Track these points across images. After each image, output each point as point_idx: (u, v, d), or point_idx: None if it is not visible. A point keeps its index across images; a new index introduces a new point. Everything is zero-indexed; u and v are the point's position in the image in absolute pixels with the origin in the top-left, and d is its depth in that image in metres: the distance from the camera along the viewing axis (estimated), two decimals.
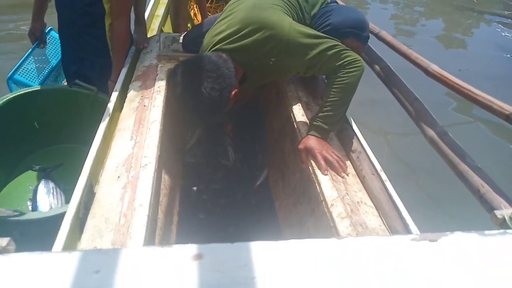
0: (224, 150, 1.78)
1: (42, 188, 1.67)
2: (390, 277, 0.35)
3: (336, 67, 1.20)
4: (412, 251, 0.38)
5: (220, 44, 1.29)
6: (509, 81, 3.87)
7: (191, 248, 0.36)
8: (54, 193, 1.66)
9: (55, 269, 0.34)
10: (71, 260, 0.34)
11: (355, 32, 1.31)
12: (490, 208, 0.87)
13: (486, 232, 0.40)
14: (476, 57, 4.49)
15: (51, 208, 1.59)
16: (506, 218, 0.70)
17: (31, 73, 1.89)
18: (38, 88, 1.79)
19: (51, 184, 1.70)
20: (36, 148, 1.93)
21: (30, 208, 1.65)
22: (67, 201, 1.49)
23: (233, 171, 1.76)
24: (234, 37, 1.27)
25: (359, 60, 1.20)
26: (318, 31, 1.27)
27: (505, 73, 4.11)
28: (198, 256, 0.35)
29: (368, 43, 1.56)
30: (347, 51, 1.20)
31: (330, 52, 1.19)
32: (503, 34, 5.48)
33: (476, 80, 3.54)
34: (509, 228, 0.69)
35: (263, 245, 0.37)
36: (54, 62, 2.00)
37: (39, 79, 1.92)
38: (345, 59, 1.19)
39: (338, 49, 1.20)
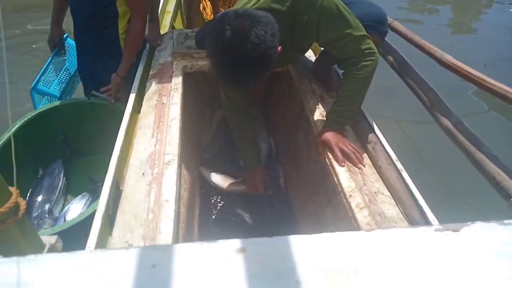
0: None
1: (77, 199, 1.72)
2: (416, 267, 0.38)
3: (356, 52, 1.20)
4: (436, 241, 0.41)
5: (255, 6, 1.20)
6: None
7: (235, 243, 0.40)
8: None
9: (114, 265, 0.38)
10: (128, 256, 0.38)
11: (374, 26, 1.31)
12: (507, 195, 0.89)
13: (505, 221, 0.43)
14: (493, 43, 4.37)
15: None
16: None
17: (52, 82, 1.92)
18: (58, 104, 1.83)
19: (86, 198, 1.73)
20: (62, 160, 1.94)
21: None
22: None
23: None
24: None
25: (376, 52, 1.21)
26: None
27: None
28: (241, 250, 0.39)
29: None
30: (369, 39, 1.21)
31: (357, 34, 1.19)
32: None
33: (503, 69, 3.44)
34: None
35: (299, 238, 0.40)
36: (72, 69, 2.04)
37: (60, 87, 1.95)
38: (367, 46, 1.19)
39: (364, 33, 1.20)
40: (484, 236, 0.41)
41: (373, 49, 1.20)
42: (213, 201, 1.65)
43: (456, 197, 2.10)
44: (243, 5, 1.25)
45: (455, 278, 0.37)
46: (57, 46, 1.94)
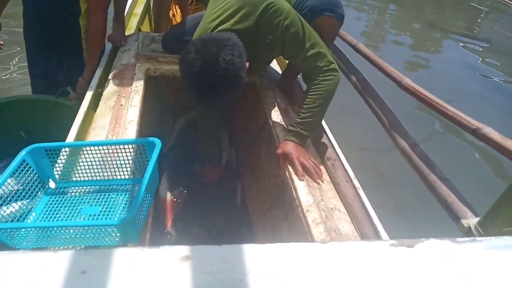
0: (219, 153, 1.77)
1: None
2: (369, 281, 0.37)
3: (315, 68, 1.24)
4: (390, 256, 0.40)
5: (220, 27, 1.25)
6: (486, 99, 4.04)
7: (179, 250, 0.36)
8: None
9: (43, 268, 0.33)
10: (57, 259, 0.33)
11: (330, 8, 1.34)
12: (456, 217, 0.92)
13: (458, 239, 0.43)
14: (449, 76, 4.64)
15: None
16: (472, 227, 0.74)
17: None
18: (20, 98, 1.68)
19: None
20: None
21: None
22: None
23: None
24: (233, 19, 1.24)
25: (337, 69, 1.25)
26: (298, 12, 1.29)
27: (480, 90, 4.29)
28: (186, 258, 0.36)
29: (346, 55, 1.60)
30: (328, 57, 1.24)
31: (313, 51, 1.23)
32: (467, 52, 5.73)
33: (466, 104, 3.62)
34: (473, 236, 0.73)
35: (251, 248, 0.37)
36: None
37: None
38: (325, 63, 1.23)
39: (322, 50, 1.24)
40: (437, 253, 0.40)
41: (332, 65, 1.24)
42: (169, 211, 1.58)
43: (408, 216, 2.17)
44: (207, 24, 1.29)
45: None
46: None
